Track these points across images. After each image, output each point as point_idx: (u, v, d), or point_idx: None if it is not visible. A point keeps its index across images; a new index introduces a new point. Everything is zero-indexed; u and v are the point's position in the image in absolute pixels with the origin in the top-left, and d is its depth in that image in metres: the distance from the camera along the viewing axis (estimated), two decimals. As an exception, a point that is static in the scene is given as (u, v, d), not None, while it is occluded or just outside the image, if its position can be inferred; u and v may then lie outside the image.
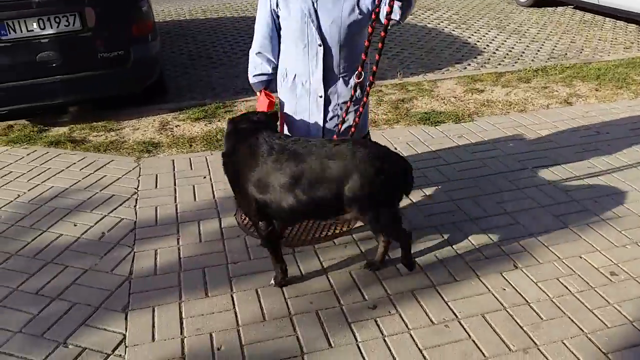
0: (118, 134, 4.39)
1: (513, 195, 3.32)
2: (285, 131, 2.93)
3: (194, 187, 3.52)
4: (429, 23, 8.09)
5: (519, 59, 6.38)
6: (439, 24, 8.03)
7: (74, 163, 3.85)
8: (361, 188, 2.35)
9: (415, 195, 3.33)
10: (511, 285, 2.58)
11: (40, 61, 4.34)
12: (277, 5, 2.68)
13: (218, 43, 7.26)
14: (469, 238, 2.92)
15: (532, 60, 6.27)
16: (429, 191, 3.39)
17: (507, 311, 2.42)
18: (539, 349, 2.22)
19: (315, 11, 2.59)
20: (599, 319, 2.37)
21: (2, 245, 2.95)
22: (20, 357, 2.23)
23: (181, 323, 2.39)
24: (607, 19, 8.12)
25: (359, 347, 2.24)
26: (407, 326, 2.34)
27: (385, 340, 2.27)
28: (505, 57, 6.44)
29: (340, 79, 2.75)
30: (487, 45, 6.92)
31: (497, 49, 6.76)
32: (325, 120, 2.83)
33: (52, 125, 4.59)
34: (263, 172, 2.42)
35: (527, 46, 6.87)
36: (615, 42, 7.00)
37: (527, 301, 2.47)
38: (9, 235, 3.04)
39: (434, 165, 3.70)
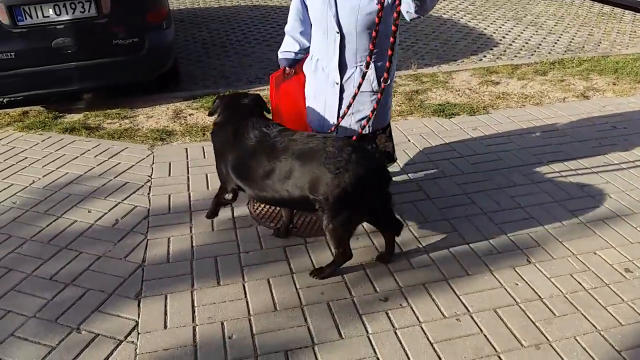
0: (132, 121, 4.41)
1: (527, 190, 3.28)
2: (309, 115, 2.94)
3: (206, 175, 3.52)
4: (444, 14, 8.00)
5: (535, 51, 6.29)
6: (454, 15, 7.93)
7: (89, 150, 3.87)
8: (324, 189, 2.35)
9: (429, 188, 3.31)
10: (524, 280, 2.56)
11: (56, 47, 4.36)
12: None
13: (232, 32, 7.24)
14: (482, 232, 2.90)
15: (549, 53, 6.18)
16: (442, 184, 3.36)
17: (519, 306, 2.40)
18: (551, 344, 2.20)
19: None
20: (613, 316, 2.34)
21: (17, 230, 2.99)
22: (34, 342, 2.26)
23: (193, 311, 2.41)
24: (627, 11, 7.97)
25: (369, 339, 2.24)
26: (418, 319, 2.34)
27: (396, 333, 2.27)
28: (521, 49, 6.35)
29: (357, 68, 2.72)
30: (503, 37, 6.83)
31: (513, 41, 6.67)
32: (340, 108, 2.82)
33: (67, 112, 4.62)
34: (242, 157, 2.56)
35: (544, 38, 6.77)
36: (634, 35, 6.88)
37: (539, 296, 2.46)
38: (24, 220, 3.07)
39: (447, 158, 3.67)
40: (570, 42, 6.62)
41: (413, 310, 2.38)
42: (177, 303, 2.45)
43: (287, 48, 2.92)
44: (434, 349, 2.19)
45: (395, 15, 2.44)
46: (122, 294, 2.51)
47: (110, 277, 2.62)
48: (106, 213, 3.11)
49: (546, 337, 2.24)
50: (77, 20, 4.36)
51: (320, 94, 2.85)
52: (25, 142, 4.04)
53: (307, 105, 2.96)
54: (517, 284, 2.53)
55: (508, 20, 7.64)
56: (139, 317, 2.37)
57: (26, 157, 3.80)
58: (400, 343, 2.22)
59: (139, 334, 2.29)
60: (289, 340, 2.25)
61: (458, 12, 8.07)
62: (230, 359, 2.16)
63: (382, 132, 2.95)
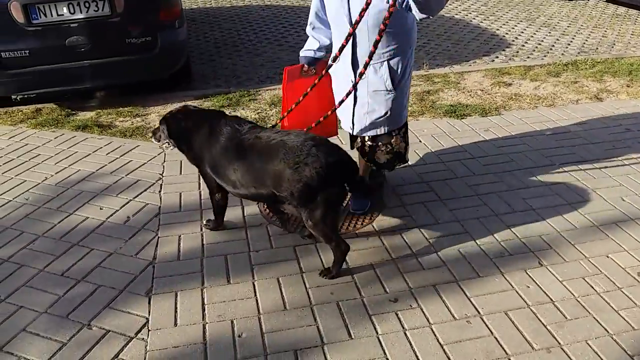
0: (144, 119, 4.43)
1: (539, 192, 3.26)
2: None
3: (217, 174, 3.53)
4: (456, 14, 7.96)
5: (548, 52, 6.24)
6: (466, 15, 7.89)
7: (101, 147, 3.90)
8: (287, 185, 2.41)
9: (440, 190, 3.29)
10: (535, 282, 2.54)
11: (69, 45, 4.39)
12: None
13: (243, 31, 7.25)
14: (494, 234, 2.88)
15: (562, 54, 6.13)
16: (453, 185, 3.34)
17: (530, 309, 2.38)
18: (562, 348, 2.18)
19: None
20: (625, 320, 2.31)
21: (30, 226, 3.02)
22: (45, 337, 2.28)
23: (203, 309, 2.41)
24: (642, 12, 7.88)
25: (379, 340, 2.23)
26: (428, 320, 2.32)
27: (406, 334, 2.26)
28: (534, 50, 6.31)
29: (371, 66, 2.70)
30: (516, 38, 6.79)
31: (526, 42, 6.62)
32: (354, 105, 2.82)
33: (80, 109, 4.66)
34: (217, 155, 2.61)
35: (557, 39, 6.72)
36: (649, 36, 6.80)
37: (551, 299, 2.43)
38: (36, 216, 3.10)
39: (459, 159, 3.65)
40: (584, 43, 6.56)
41: (423, 312, 2.37)
42: (188, 301, 2.46)
43: (307, 46, 2.94)
44: (444, 350, 2.18)
45: (387, 14, 2.40)
46: (132, 291, 2.52)
47: (121, 273, 2.64)
48: (118, 210, 3.13)
49: (557, 341, 2.21)
50: (91, 19, 4.39)
51: (340, 91, 2.87)
52: (38, 139, 4.08)
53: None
54: (528, 287, 2.51)
55: (521, 21, 7.58)
56: (149, 314, 2.38)
57: (39, 154, 3.83)
58: (410, 344, 2.21)
59: (149, 331, 2.30)
60: (299, 339, 2.25)
61: (470, 13, 8.03)
62: (239, 358, 2.17)
63: (397, 132, 2.94)
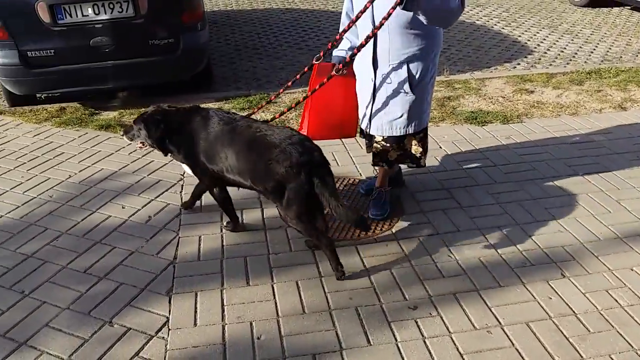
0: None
1: (562, 202, 3.22)
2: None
3: (237, 176, 3.55)
4: (477, 20, 7.92)
5: (571, 60, 6.17)
6: (488, 21, 7.84)
7: (123, 147, 3.94)
8: (260, 179, 2.54)
9: (461, 197, 3.27)
10: (558, 294, 2.50)
11: (94, 46, 4.46)
12: None
13: (264, 34, 7.29)
14: (515, 243, 2.85)
15: (585, 62, 6.05)
16: (474, 193, 3.32)
17: (552, 321, 2.35)
18: (585, 361, 2.15)
19: None
20: (650, 335, 2.27)
21: (54, 223, 3.06)
22: (67, 333, 2.31)
23: (222, 310, 2.42)
24: (668, 21, 7.76)
25: (398, 347, 2.22)
26: (448, 329, 2.30)
27: (425, 342, 2.24)
28: (556, 58, 6.24)
29: (390, 67, 2.72)
30: (538, 45, 6.72)
31: (548, 49, 6.55)
32: (373, 104, 2.83)
33: (103, 109, 4.72)
34: (208, 146, 2.68)
35: (580, 47, 6.64)
36: (675, 46, 6.69)
37: (574, 312, 2.40)
38: (60, 214, 3.15)
39: (480, 166, 3.62)
40: (607, 51, 6.47)
41: (443, 320, 2.35)
42: (207, 301, 2.47)
43: (340, 47, 2.95)
44: (463, 360, 2.16)
45: (390, 11, 2.45)
46: (153, 290, 2.55)
47: (143, 272, 2.66)
48: (139, 209, 3.16)
49: (580, 354, 2.18)
50: (115, 20, 4.45)
51: (360, 89, 2.89)
52: (62, 137, 4.14)
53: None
54: (550, 298, 2.48)
55: (543, 28, 7.51)
56: (169, 314, 2.40)
57: (63, 152, 3.89)
58: (430, 353, 2.19)
59: (169, 330, 2.32)
60: (317, 344, 2.25)
61: (492, 19, 7.98)
62: (258, 360, 2.18)
63: (414, 136, 2.93)
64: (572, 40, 6.93)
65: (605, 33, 7.25)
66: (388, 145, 2.93)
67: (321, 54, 2.82)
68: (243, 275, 2.64)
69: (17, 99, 4.84)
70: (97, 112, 4.65)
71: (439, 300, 2.47)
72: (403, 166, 3.23)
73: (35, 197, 3.32)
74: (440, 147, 3.88)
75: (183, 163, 2.89)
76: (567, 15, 8.22)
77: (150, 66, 4.63)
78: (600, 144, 3.92)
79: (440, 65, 5.78)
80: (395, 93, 2.75)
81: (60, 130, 4.28)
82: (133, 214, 3.13)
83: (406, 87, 2.72)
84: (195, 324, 2.35)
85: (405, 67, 2.69)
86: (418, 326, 2.32)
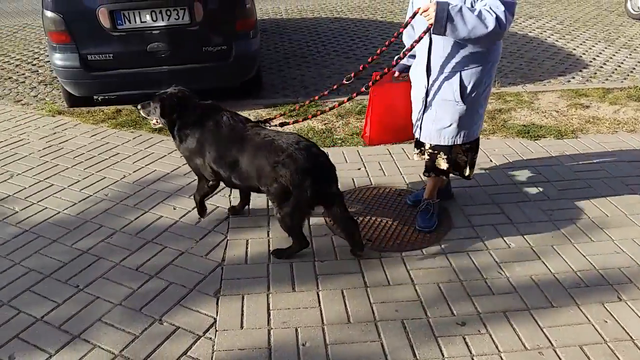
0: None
1: (620, 222, 3.09)
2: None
3: (284, 182, 3.58)
4: (530, 32, 7.75)
5: (628, 75, 5.94)
6: (541, 34, 7.66)
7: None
8: (265, 181, 2.62)
9: (512, 212, 3.18)
10: (614, 317, 2.40)
11: (150, 51, 4.62)
12: None
13: (312, 43, 7.36)
14: (569, 263, 2.75)
15: (645, 78, 5.82)
16: (526, 209, 3.23)
17: (607, 345, 2.25)
18: (643, 390, 2.05)
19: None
20: None
21: (109, 221, 3.17)
22: (119, 329, 2.38)
23: (268, 314, 2.44)
24: None
25: (445, 363, 2.18)
26: (497, 348, 2.24)
27: None
28: (613, 73, 6.02)
29: (443, 75, 2.70)
30: (594, 59, 6.51)
31: (604, 63, 6.34)
32: (424, 111, 2.83)
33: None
34: (220, 147, 2.78)
35: (639, 62, 6.38)
36: None
37: (631, 337, 2.29)
38: (114, 212, 3.26)
39: (532, 182, 3.53)
40: (669, 67, 6.21)
41: (492, 338, 2.29)
42: (254, 304, 2.50)
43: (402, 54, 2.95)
44: (513, 380, 2.10)
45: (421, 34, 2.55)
46: (202, 291, 2.59)
47: (192, 273, 2.72)
48: (190, 211, 3.24)
49: (638, 382, 2.08)
50: (171, 27, 4.60)
51: (414, 96, 2.90)
52: (117, 139, 4.29)
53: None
54: (606, 321, 2.37)
55: (599, 41, 7.28)
56: (217, 315, 2.44)
57: (118, 153, 4.03)
58: (478, 370, 2.14)
59: (216, 331, 2.35)
60: (362, 354, 2.23)
61: (545, 31, 7.79)
62: (303, 367, 2.18)
63: (462, 146, 2.88)
64: (630, 54, 6.68)
65: (667, 48, 6.96)
66: (436, 153, 2.92)
67: (352, 75, 2.85)
68: (289, 281, 2.66)
69: (75, 100, 5.06)
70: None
71: (489, 318, 2.40)
72: (452, 177, 3.19)
73: (91, 195, 3.45)
74: (491, 161, 3.80)
75: (183, 154, 2.96)
76: (624, 29, 7.94)
77: (203, 72, 4.75)
78: (661, 163, 3.75)
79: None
80: (446, 101, 2.74)
81: (116, 132, 4.43)
82: (184, 215, 3.20)
83: (457, 96, 2.69)
84: (241, 327, 2.37)
85: (457, 76, 2.67)
86: (466, 343, 2.27)
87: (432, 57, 2.72)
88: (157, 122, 3.00)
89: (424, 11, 2.47)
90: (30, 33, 8.65)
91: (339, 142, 4.21)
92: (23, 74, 6.46)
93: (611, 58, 6.55)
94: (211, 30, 4.71)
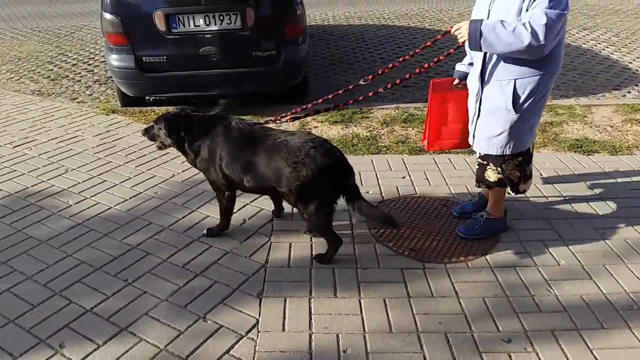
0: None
1: (678, 244, 2.95)
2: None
3: (328, 187, 3.59)
4: (584, 44, 7.52)
5: (690, 91, 5.68)
6: (595, 45, 7.42)
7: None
8: (286, 182, 2.61)
9: (562, 229, 3.09)
10: (670, 344, 2.29)
11: (202, 54, 4.73)
12: None
13: (359, 50, 7.37)
14: (622, 283, 2.64)
15: None
16: (577, 226, 3.12)
17: (663, 372, 2.16)
18: (702, 423, 1.94)
19: (489, 11, 2.62)
20: None
21: (157, 218, 3.26)
22: (165, 324, 2.44)
23: (310, 318, 2.45)
24: None
25: (489, 379, 2.13)
26: (544, 367, 2.18)
27: (518, 378, 2.13)
28: (673, 88, 5.77)
29: (497, 83, 2.67)
30: (652, 73, 6.26)
31: (663, 78, 6.08)
32: (478, 118, 2.81)
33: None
34: (231, 154, 2.79)
35: (702, 78, 6.09)
36: None
37: (688, 365, 2.18)
38: (163, 210, 3.35)
39: (584, 198, 3.41)
40: None
41: (539, 357, 2.23)
42: (296, 307, 2.51)
43: (463, 61, 2.97)
44: (561, 402, 2.03)
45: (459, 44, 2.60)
46: (245, 291, 2.63)
47: (236, 273, 2.76)
48: (235, 212, 3.28)
49: (696, 414, 1.98)
50: (223, 31, 4.70)
51: (470, 103, 2.88)
52: (167, 138, 4.40)
53: None
54: (661, 347, 2.27)
55: (658, 55, 6.99)
56: (259, 316, 2.47)
57: (168, 152, 4.11)
58: (523, 389, 2.08)
59: (258, 332, 2.38)
60: (403, 365, 2.21)
61: (599, 43, 7.54)
62: (343, 373, 2.17)
63: (512, 158, 2.82)
64: (692, 69, 6.38)
65: None
66: (485, 164, 2.88)
67: (369, 78, 3.03)
68: (331, 286, 2.66)
69: (128, 100, 5.23)
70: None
71: (535, 336, 2.34)
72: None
73: (141, 193, 3.56)
74: (541, 175, 3.70)
75: (198, 168, 2.98)
76: (686, 43, 7.59)
77: (252, 76, 4.84)
78: None
79: (542, 89, 5.53)
80: (498, 110, 2.70)
81: (166, 132, 4.55)
82: (229, 216, 3.26)
83: (509, 104, 2.65)
84: (283, 329, 2.39)
85: (511, 84, 2.62)
86: (511, 360, 2.22)
87: (486, 64, 2.70)
88: (161, 144, 3.03)
89: (457, 29, 2.58)
90: (87, 34, 9.02)
91: (384, 149, 4.19)
92: (79, 73, 6.73)
93: (671, 73, 6.28)
94: (261, 35, 4.79)
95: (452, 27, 2.64)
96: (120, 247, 2.99)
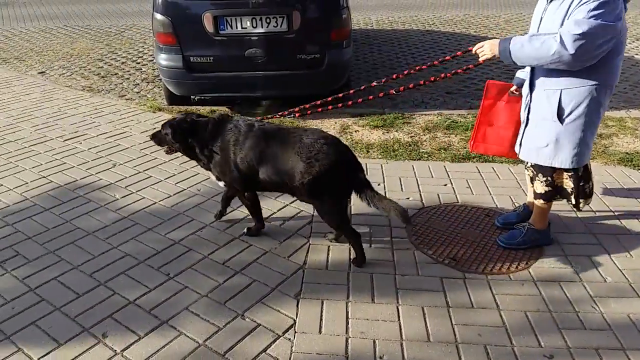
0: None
1: None
2: None
3: (368, 192, 3.59)
4: (636, 54, 7.25)
5: None
6: (649, 57, 7.15)
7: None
8: (299, 177, 2.64)
9: (610, 245, 2.98)
10: None
11: (248, 56, 4.80)
12: None
13: (402, 55, 7.33)
14: (674, 305, 2.54)
15: None
16: (626, 242, 3.01)
17: None
18: None
19: (541, 19, 2.60)
20: None
21: (199, 215, 3.32)
22: (204, 319, 2.48)
23: (347, 322, 2.45)
24: None
25: (529, 395, 2.08)
26: (588, 387, 2.11)
27: (560, 396, 2.07)
28: None
29: (545, 92, 2.63)
30: None
31: None
32: (526, 127, 2.77)
33: (247, 115, 5.04)
34: (243, 153, 2.81)
35: None
36: None
37: None
38: (205, 207, 3.41)
39: (634, 214, 3.28)
40: None
41: (583, 376, 2.16)
42: (333, 311, 2.52)
43: (524, 68, 2.91)
44: None
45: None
46: (283, 291, 2.65)
47: (274, 272, 2.79)
48: (275, 212, 3.32)
49: None
50: (270, 34, 4.76)
51: (522, 111, 2.84)
52: (210, 137, 4.49)
53: None
54: None
55: None
56: (296, 317, 2.48)
57: (210, 151, 4.22)
58: (565, 408, 2.02)
59: (295, 332, 2.39)
60: (441, 375, 2.18)
61: (654, 54, 7.26)
62: (379, 379, 2.16)
63: (564, 171, 2.75)
64: None
65: None
66: (532, 174, 2.82)
67: (382, 81, 3.24)
68: (368, 292, 2.65)
69: (174, 99, 5.36)
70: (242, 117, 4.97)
71: (579, 353, 2.26)
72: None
73: (185, 189, 3.64)
74: (588, 188, 3.58)
75: (211, 171, 2.99)
76: None
77: (296, 79, 4.88)
78: None
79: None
80: (544, 119, 2.66)
81: (209, 131, 4.64)
82: (269, 216, 3.29)
83: (554, 115, 2.60)
84: (320, 331, 2.40)
85: (558, 93, 2.57)
86: (553, 377, 2.15)
87: (535, 72, 2.68)
88: (169, 149, 3.07)
89: (479, 48, 2.68)
90: (136, 33, 9.29)
91: (425, 155, 4.15)
92: (128, 71, 6.94)
93: None
94: (307, 38, 4.82)
95: (473, 46, 2.72)
96: (164, 242, 3.07)
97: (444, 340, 2.35)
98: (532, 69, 2.68)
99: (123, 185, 3.73)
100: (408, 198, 3.51)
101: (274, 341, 2.35)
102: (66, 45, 8.45)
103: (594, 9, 2.32)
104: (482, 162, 3.99)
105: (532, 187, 2.91)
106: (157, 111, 5.21)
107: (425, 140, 4.46)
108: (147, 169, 3.96)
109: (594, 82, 2.53)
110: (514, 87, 2.95)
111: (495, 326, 2.42)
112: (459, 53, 3.04)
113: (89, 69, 7.07)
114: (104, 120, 5.00)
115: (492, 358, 2.25)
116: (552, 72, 2.56)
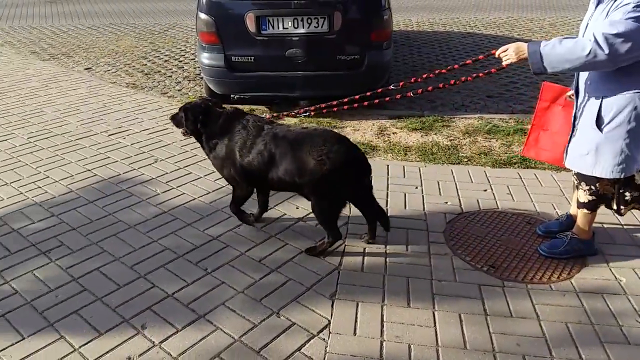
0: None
1: None
2: None
3: (405, 195, 3.56)
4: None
5: None
6: None
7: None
8: (308, 175, 2.69)
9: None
10: None
11: (288, 56, 4.83)
12: None
13: (442, 57, 7.24)
14: None
15: None
16: (674, 256, 2.89)
17: None
18: None
19: (587, 24, 2.55)
20: None
21: (237, 212, 3.37)
22: (240, 315, 2.51)
23: (382, 325, 2.43)
24: None
25: (569, 410, 2.02)
26: (632, 405, 2.04)
27: (602, 412, 2.01)
28: None
29: (587, 99, 2.57)
30: None
31: None
32: (572, 134, 2.71)
33: (285, 115, 5.06)
34: (251, 150, 2.87)
35: None
36: None
37: None
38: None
39: (683, 227, 3.16)
40: None
41: (626, 393, 2.09)
42: (368, 313, 2.51)
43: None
44: None
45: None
46: (318, 291, 2.66)
47: (310, 272, 2.80)
48: (310, 212, 3.32)
49: None
50: (310, 34, 4.78)
51: (572, 117, 2.78)
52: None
53: None
54: None
55: None
56: (331, 317, 2.48)
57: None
58: None
59: (330, 333, 2.39)
60: (477, 383, 2.14)
61: None
62: (414, 385, 2.14)
63: (607, 180, 2.66)
64: None
65: None
66: (576, 182, 2.76)
67: (400, 84, 3.27)
68: (404, 296, 2.63)
69: (214, 97, 5.43)
70: (278, 117, 5.01)
71: (623, 370, 2.19)
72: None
73: (223, 187, 3.69)
74: (636, 198, 3.46)
75: (214, 162, 3.04)
76: None
77: (335, 79, 4.88)
78: None
79: None
80: (585, 127, 2.60)
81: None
82: (305, 216, 3.31)
83: (593, 123, 2.53)
84: (354, 333, 2.39)
85: (598, 101, 2.50)
86: (595, 393, 2.09)
87: (580, 79, 2.63)
88: (185, 131, 3.14)
89: (503, 51, 2.60)
90: (179, 32, 9.49)
91: (465, 160, 4.09)
92: (170, 69, 7.10)
93: None
94: (347, 39, 4.82)
95: (496, 49, 2.67)
96: (202, 237, 3.12)
97: (481, 348, 2.31)
98: (578, 76, 2.63)
99: (164, 181, 3.81)
100: (446, 203, 3.47)
101: (308, 340, 2.35)
102: (111, 42, 8.71)
103: (632, 10, 2.25)
104: (524, 168, 3.90)
105: (577, 196, 2.83)
106: (197, 109, 5.29)
107: (465, 144, 4.39)
108: (187, 166, 4.04)
109: (635, 90, 2.44)
110: (571, 92, 2.84)
111: (535, 337, 2.36)
112: (480, 57, 2.98)
113: (133, 66, 7.27)
114: (146, 116, 5.13)
115: (531, 369, 2.20)
116: (593, 79, 2.51)
